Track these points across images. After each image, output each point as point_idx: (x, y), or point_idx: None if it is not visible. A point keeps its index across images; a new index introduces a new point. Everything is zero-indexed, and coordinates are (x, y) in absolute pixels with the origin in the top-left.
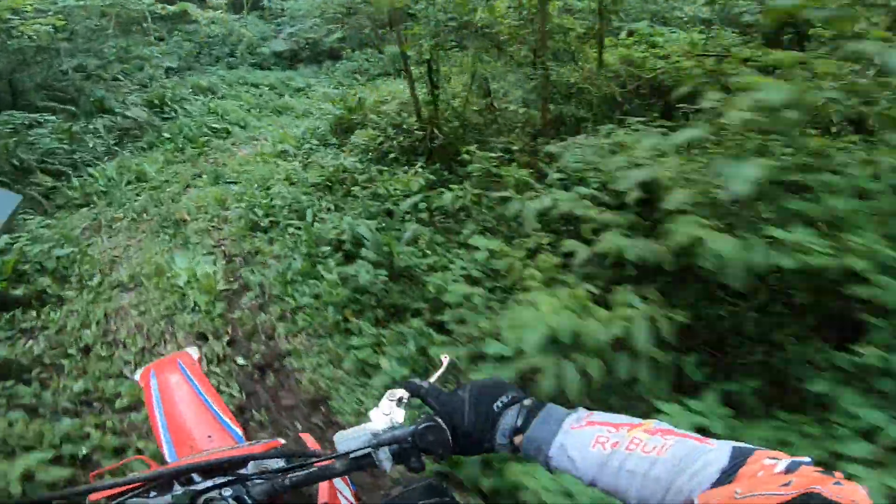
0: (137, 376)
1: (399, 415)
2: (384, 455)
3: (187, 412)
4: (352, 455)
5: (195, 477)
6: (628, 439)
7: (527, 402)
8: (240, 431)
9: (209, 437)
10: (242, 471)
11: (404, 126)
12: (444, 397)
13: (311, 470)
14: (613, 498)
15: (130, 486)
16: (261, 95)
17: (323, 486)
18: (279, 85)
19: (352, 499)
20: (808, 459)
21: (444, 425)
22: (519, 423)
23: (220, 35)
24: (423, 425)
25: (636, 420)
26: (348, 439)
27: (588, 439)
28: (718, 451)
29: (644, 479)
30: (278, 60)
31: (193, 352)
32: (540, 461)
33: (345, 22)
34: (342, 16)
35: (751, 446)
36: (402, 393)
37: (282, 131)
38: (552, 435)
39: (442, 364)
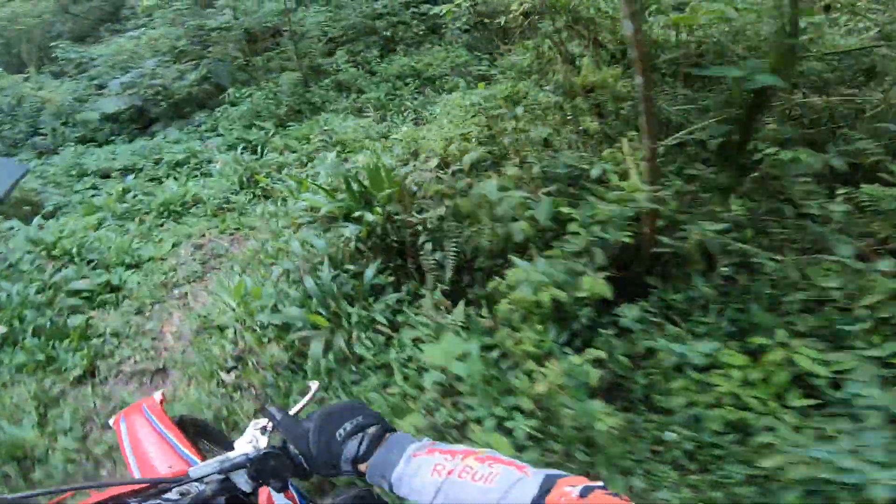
0: (111, 422)
1: (263, 441)
2: (242, 478)
3: (150, 448)
4: (204, 480)
5: None
6: (461, 467)
7: (371, 429)
8: (198, 460)
9: (169, 466)
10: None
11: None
12: (292, 426)
13: (192, 496)
14: None
15: None
16: (126, 193)
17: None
18: (144, 164)
19: None
20: (600, 484)
21: (288, 451)
22: (361, 451)
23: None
24: (263, 452)
25: (473, 448)
26: (202, 467)
27: (428, 466)
28: (532, 482)
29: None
30: (117, 126)
31: (157, 396)
32: (385, 488)
33: (202, 56)
34: (199, 47)
35: (557, 473)
36: (264, 423)
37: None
38: (394, 464)
39: (309, 391)
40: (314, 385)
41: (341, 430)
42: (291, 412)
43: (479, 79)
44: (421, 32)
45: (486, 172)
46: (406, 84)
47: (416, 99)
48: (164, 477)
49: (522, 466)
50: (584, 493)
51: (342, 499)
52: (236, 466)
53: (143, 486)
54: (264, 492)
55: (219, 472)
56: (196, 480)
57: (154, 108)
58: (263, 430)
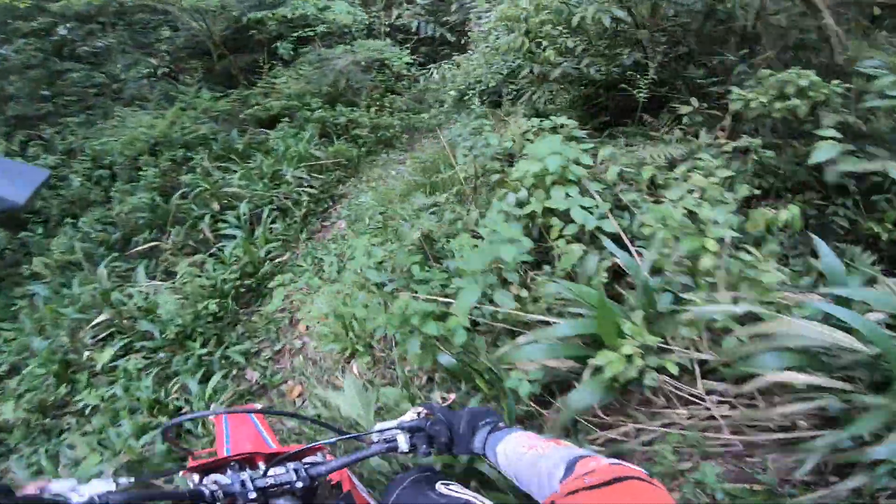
0: (212, 417)
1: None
2: (404, 439)
3: (248, 442)
4: (383, 435)
5: (260, 464)
6: (542, 444)
7: (500, 424)
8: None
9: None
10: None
11: None
12: (448, 413)
13: (351, 453)
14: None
15: (216, 462)
16: None
17: (345, 480)
18: None
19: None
20: (614, 460)
21: (446, 426)
22: (486, 436)
23: None
24: (432, 421)
25: (558, 440)
26: (381, 425)
27: (521, 443)
28: (574, 449)
29: (532, 468)
30: None
31: (257, 406)
32: (490, 459)
33: None
34: None
35: (582, 452)
36: (421, 409)
37: None
38: (500, 440)
39: (449, 399)
40: (453, 395)
41: (482, 423)
42: (445, 404)
43: None
44: None
45: None
46: None
47: None
48: (349, 432)
49: (571, 447)
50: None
51: (400, 477)
52: (413, 426)
53: (286, 448)
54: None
55: (398, 428)
56: (379, 432)
57: None
58: (418, 414)
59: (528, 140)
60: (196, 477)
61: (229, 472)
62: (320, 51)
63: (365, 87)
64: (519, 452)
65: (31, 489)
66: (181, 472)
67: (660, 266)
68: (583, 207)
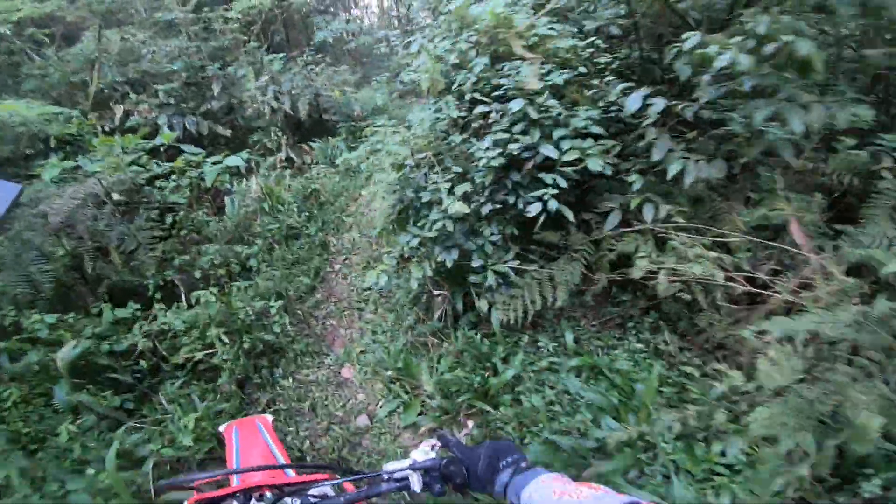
0: (223, 428)
1: (433, 455)
2: (416, 479)
3: (258, 457)
4: (394, 475)
5: (267, 495)
6: (574, 490)
7: (522, 464)
8: (293, 474)
9: (272, 477)
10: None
11: None
12: (465, 450)
13: (359, 490)
14: None
15: (218, 494)
16: None
17: None
18: None
19: None
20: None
21: (462, 465)
22: (511, 478)
23: None
24: (447, 460)
25: (591, 483)
26: (393, 465)
27: (549, 489)
28: (617, 499)
29: None
30: None
31: (269, 417)
32: (515, 501)
33: None
34: None
35: (627, 499)
36: (434, 442)
37: None
38: (527, 483)
39: (467, 427)
40: (471, 423)
41: (504, 461)
42: (459, 436)
43: None
44: None
45: None
46: None
47: None
48: (360, 471)
49: (621, 494)
50: None
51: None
52: (427, 467)
53: (293, 479)
54: None
55: (411, 468)
56: (389, 474)
57: None
58: (433, 447)
59: None
60: None
61: None
62: None
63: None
64: (548, 499)
65: None
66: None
67: None
68: None
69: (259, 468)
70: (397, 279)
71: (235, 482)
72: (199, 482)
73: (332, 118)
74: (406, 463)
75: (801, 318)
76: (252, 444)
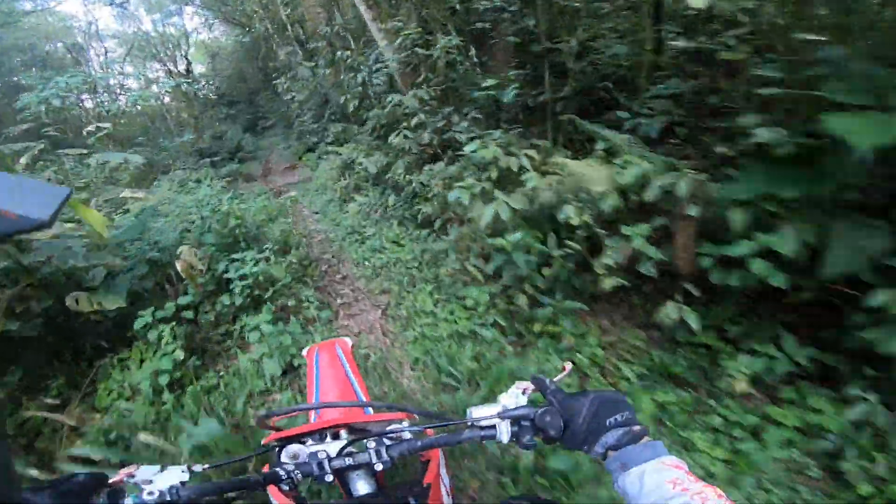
0: (305, 352)
1: (524, 401)
2: (505, 428)
3: (335, 385)
4: (480, 423)
5: (342, 433)
6: (697, 490)
7: (636, 427)
8: (369, 408)
9: None
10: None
11: None
12: (565, 399)
13: (439, 435)
14: None
15: (296, 432)
16: None
17: (431, 469)
18: None
19: (448, 489)
20: None
21: (561, 416)
22: (621, 442)
23: None
24: (544, 409)
25: (714, 485)
26: (479, 410)
27: (669, 475)
28: None
29: None
30: None
31: (349, 340)
32: (614, 475)
33: None
34: None
35: None
36: (527, 385)
37: None
38: (642, 461)
39: (564, 370)
40: (569, 365)
41: (612, 419)
42: (556, 380)
43: None
44: None
45: None
46: None
47: None
48: (443, 415)
49: None
50: None
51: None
52: (522, 415)
53: (371, 418)
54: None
55: (501, 417)
56: (476, 421)
57: None
58: (524, 391)
59: None
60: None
61: (310, 443)
62: None
63: None
64: (664, 488)
65: (120, 476)
66: (262, 441)
67: None
68: None
69: (337, 404)
70: None
71: (314, 416)
72: (280, 417)
73: None
74: (495, 409)
75: None
76: (331, 369)
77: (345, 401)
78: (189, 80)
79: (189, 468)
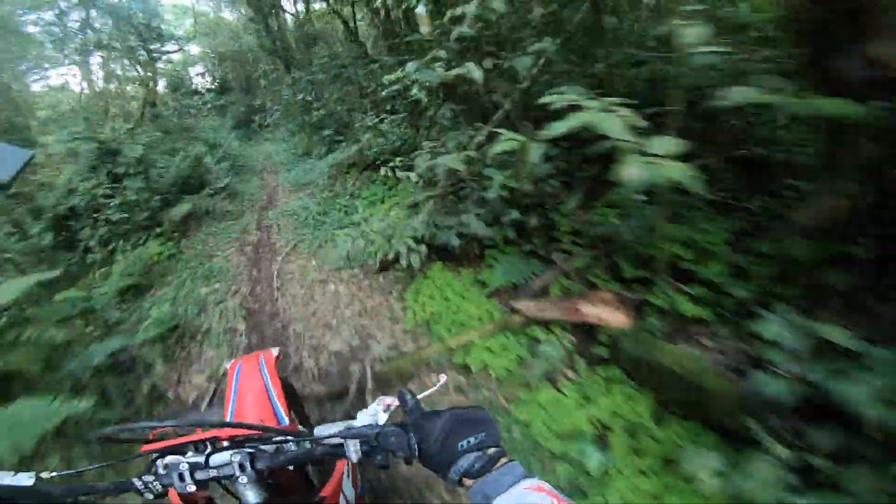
0: (228, 366)
1: (382, 419)
2: (353, 447)
3: (250, 398)
4: (324, 440)
5: (225, 444)
6: None
7: (490, 451)
8: (286, 419)
9: (261, 420)
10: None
11: None
12: (420, 417)
13: (297, 450)
14: None
15: (175, 442)
16: None
17: (332, 482)
18: None
19: (353, 501)
20: None
21: (409, 435)
22: (474, 468)
23: None
24: (389, 428)
25: (570, 500)
26: (327, 428)
27: (537, 501)
28: None
29: None
30: None
31: (275, 351)
32: (473, 500)
33: None
34: None
35: None
36: (391, 401)
37: None
38: (502, 489)
39: (438, 382)
40: (444, 377)
41: (465, 442)
42: (420, 397)
43: None
44: None
45: None
46: None
47: None
48: (290, 429)
49: None
50: None
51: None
52: (361, 434)
53: (243, 431)
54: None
55: (342, 436)
56: (319, 439)
57: None
58: (387, 407)
59: None
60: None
61: (189, 454)
62: None
63: None
64: None
65: None
66: (141, 448)
67: None
68: None
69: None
70: None
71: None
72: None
73: None
74: (341, 425)
75: None
76: (251, 383)
77: (259, 404)
78: None
79: (37, 474)
